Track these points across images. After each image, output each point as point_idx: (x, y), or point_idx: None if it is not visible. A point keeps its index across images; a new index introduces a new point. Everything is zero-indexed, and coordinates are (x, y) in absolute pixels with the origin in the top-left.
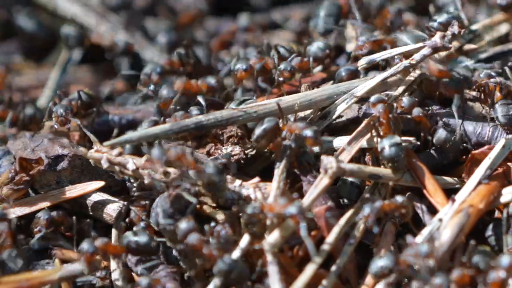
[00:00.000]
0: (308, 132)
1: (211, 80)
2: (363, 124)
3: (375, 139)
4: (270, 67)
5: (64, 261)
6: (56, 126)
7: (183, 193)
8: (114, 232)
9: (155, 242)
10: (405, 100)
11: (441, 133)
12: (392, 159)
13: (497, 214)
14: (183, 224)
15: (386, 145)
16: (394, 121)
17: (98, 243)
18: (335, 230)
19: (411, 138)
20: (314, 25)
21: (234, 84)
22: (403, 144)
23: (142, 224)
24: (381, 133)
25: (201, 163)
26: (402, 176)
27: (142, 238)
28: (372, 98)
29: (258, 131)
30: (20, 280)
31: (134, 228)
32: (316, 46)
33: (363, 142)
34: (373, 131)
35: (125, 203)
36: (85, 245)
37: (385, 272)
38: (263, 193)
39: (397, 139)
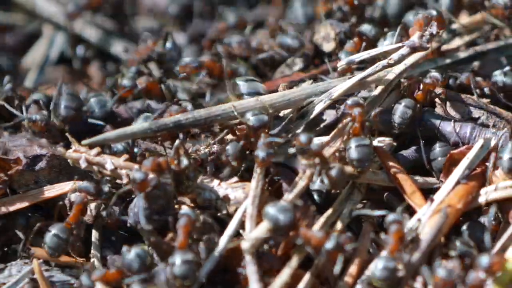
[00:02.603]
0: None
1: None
2: (340, 125)
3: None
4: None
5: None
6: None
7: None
8: (94, 232)
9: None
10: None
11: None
12: (357, 160)
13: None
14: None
15: (352, 145)
16: (369, 124)
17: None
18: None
19: (387, 139)
20: (294, 17)
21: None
22: (370, 146)
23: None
24: (351, 135)
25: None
26: (381, 176)
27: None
28: (349, 101)
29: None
30: None
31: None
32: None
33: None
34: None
35: (104, 202)
36: (83, 279)
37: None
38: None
39: (364, 141)
